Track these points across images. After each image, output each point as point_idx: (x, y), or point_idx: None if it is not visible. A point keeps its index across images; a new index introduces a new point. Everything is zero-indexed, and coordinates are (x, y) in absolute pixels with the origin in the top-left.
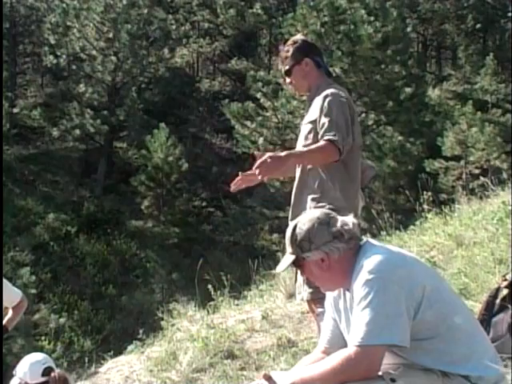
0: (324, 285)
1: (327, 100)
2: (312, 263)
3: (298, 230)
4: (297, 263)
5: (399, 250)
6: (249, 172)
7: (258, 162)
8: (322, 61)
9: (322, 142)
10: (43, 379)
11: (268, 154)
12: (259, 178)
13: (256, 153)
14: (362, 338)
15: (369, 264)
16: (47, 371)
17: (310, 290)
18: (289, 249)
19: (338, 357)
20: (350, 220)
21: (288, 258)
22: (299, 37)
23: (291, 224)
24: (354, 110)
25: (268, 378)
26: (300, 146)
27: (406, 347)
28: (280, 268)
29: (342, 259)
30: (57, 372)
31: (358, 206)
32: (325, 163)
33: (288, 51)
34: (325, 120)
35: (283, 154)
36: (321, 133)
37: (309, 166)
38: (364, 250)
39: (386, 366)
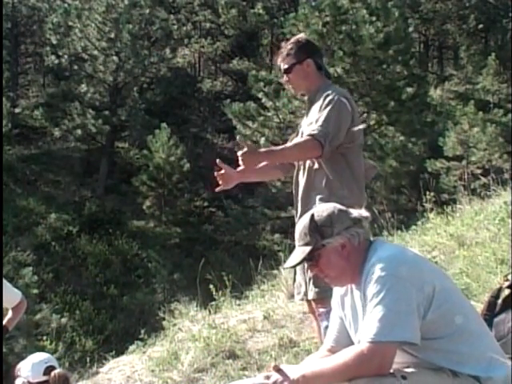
0: (337, 276)
1: (327, 99)
2: (332, 250)
3: (316, 218)
4: (312, 254)
5: (408, 249)
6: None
7: (243, 151)
8: (323, 63)
9: (302, 138)
10: (44, 378)
11: (248, 148)
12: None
13: (240, 141)
14: (375, 335)
15: (380, 261)
16: (48, 370)
17: (317, 290)
18: (303, 241)
19: (350, 352)
20: (363, 211)
21: (301, 250)
22: (303, 36)
23: (304, 217)
24: (355, 109)
25: (278, 369)
26: None
27: (417, 344)
28: (291, 263)
29: (359, 249)
30: (57, 371)
31: (363, 205)
32: (307, 158)
33: (291, 49)
34: (317, 117)
35: (264, 150)
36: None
37: (315, 167)
38: (374, 247)
39: (397, 365)
